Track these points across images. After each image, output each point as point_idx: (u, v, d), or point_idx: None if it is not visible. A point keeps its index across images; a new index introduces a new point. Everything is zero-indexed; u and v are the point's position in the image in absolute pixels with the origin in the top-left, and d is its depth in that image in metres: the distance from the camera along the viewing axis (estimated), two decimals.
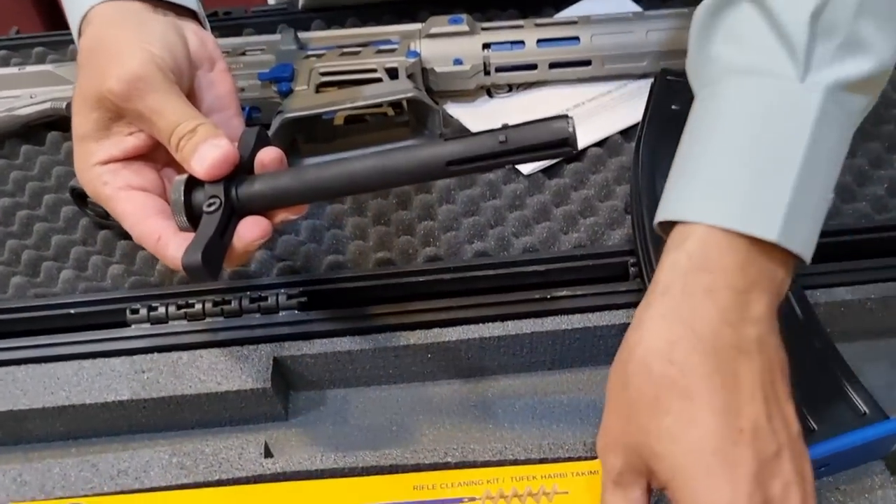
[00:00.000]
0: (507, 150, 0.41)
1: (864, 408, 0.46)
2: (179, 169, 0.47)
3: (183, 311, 0.57)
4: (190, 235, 0.44)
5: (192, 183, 0.45)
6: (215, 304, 0.57)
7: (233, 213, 0.44)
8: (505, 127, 0.41)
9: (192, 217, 0.44)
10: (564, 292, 0.56)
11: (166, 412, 0.54)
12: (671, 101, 0.62)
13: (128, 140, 0.47)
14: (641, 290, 0.54)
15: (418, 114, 0.67)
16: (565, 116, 0.41)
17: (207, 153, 0.44)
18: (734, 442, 0.36)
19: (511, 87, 0.71)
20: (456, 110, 0.71)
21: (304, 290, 0.57)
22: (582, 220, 0.62)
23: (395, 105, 0.67)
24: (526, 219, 0.63)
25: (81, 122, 0.47)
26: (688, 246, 0.39)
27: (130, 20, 0.48)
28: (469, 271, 0.58)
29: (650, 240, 0.55)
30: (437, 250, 0.61)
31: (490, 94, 0.72)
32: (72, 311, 0.58)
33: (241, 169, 0.46)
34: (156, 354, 0.55)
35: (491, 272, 0.57)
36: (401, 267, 0.59)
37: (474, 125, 0.70)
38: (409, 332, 0.55)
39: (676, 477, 0.36)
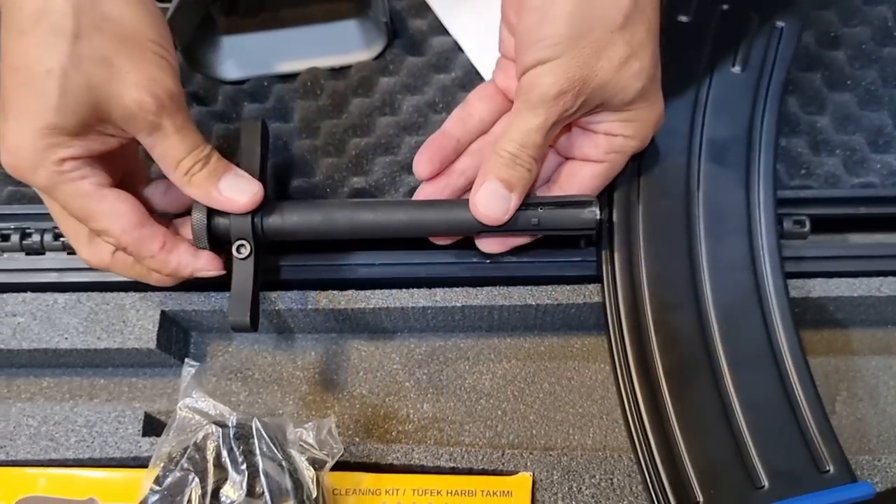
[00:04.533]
0: (536, 228, 0.42)
1: (829, 464, 0.39)
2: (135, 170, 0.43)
3: (61, 241, 0.48)
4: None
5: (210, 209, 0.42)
6: None
7: (259, 248, 0.43)
8: (539, 206, 0.41)
9: (214, 245, 0.42)
10: (511, 257, 0.47)
11: (43, 359, 0.48)
12: (678, 8, 0.48)
13: (110, 140, 0.39)
14: (594, 261, 0.45)
15: None
16: (591, 203, 0.41)
17: (239, 188, 0.41)
18: None
19: None
20: None
21: None
22: None
23: None
24: None
25: (61, 110, 0.36)
26: None
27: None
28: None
29: (617, 199, 0.45)
30: (364, 181, 0.51)
31: None
32: None
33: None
34: (28, 294, 0.48)
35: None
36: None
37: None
38: (320, 293, 0.47)
39: None
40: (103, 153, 0.39)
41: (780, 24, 0.47)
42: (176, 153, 0.39)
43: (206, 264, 0.42)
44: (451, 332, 0.50)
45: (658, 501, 0.39)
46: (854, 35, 0.53)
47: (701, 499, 0.38)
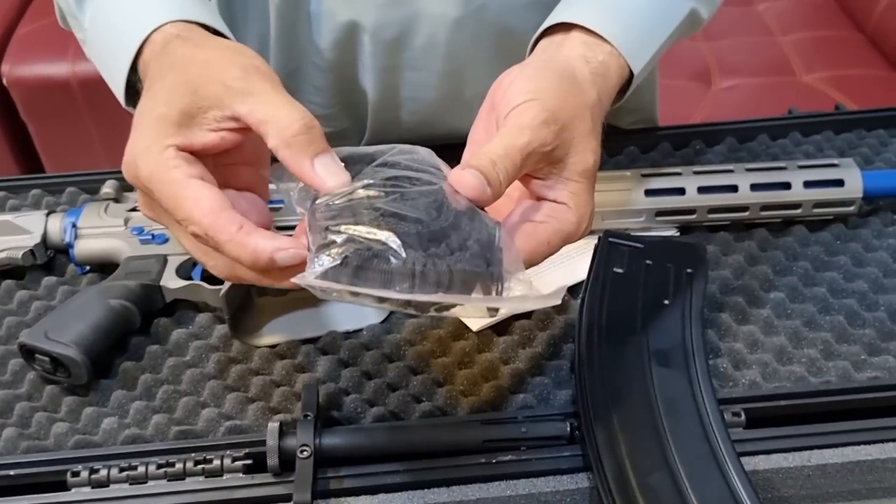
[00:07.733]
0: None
1: None
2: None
3: (125, 473, 0.56)
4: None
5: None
6: (159, 466, 0.56)
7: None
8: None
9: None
10: (510, 457, 0.56)
11: None
12: (614, 263, 0.64)
13: (209, 135, 0.45)
14: (584, 455, 0.55)
15: None
16: None
17: (332, 171, 0.43)
18: None
19: None
20: None
21: (249, 451, 0.57)
22: (530, 379, 0.63)
23: None
24: (474, 377, 0.64)
25: (167, 102, 0.45)
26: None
27: (210, 39, 0.50)
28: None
29: (591, 403, 0.56)
30: (384, 409, 0.61)
31: None
32: (11, 472, 0.57)
33: None
34: None
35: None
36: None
37: None
38: (368, 497, 0.55)
39: None
40: (205, 151, 0.45)
41: (689, 270, 0.63)
42: (275, 115, 0.43)
43: (283, 243, 0.42)
44: None
45: None
46: (745, 285, 0.71)
47: None
